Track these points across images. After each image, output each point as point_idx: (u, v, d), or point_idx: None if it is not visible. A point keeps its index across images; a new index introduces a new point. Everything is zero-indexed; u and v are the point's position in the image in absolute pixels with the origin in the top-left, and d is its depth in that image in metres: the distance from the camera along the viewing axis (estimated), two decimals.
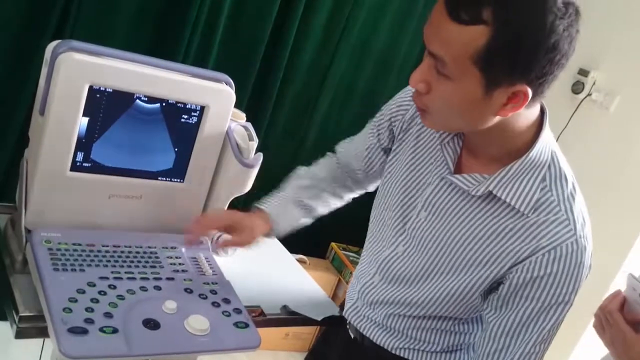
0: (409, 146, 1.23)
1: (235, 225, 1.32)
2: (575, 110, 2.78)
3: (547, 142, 1.07)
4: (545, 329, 1.07)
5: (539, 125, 1.06)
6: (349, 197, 1.49)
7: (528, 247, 1.05)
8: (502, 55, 0.91)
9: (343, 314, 1.33)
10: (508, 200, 1.06)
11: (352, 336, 1.32)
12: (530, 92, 0.94)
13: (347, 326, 1.33)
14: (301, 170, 1.46)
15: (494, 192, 1.07)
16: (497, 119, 0.99)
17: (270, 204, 1.37)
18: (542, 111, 1.07)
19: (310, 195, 1.41)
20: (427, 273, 1.16)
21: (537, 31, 0.90)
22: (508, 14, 0.89)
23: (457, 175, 1.12)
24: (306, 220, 1.43)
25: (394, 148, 1.28)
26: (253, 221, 1.33)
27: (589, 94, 2.75)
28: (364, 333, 1.28)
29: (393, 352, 1.24)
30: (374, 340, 1.26)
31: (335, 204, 1.47)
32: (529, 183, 1.05)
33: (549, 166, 1.06)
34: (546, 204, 1.05)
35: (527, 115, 1.03)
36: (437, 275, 1.15)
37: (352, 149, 1.39)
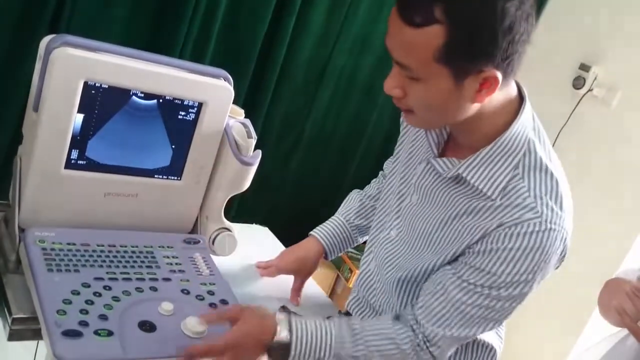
0: (410, 134, 1.27)
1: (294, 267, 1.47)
2: (576, 106, 2.74)
3: (523, 129, 1.07)
4: (489, 305, 1.06)
5: (514, 112, 1.07)
6: None
7: (491, 225, 1.05)
8: (462, 48, 0.94)
9: (345, 305, 1.33)
10: (477, 184, 1.07)
11: None
12: (499, 74, 0.97)
13: None
14: (353, 192, 1.56)
15: (463, 175, 1.08)
16: (476, 106, 1.02)
17: (321, 231, 1.49)
18: (522, 98, 1.08)
19: (360, 215, 1.50)
20: (412, 256, 1.17)
21: (490, 19, 0.92)
22: (459, 9, 0.92)
23: (437, 159, 1.14)
24: (361, 239, 1.52)
25: (399, 138, 1.31)
26: (306, 252, 1.47)
27: (590, 90, 2.72)
28: None
29: None
30: None
31: None
32: (499, 169, 1.06)
33: (525, 154, 1.07)
34: (515, 190, 1.05)
35: (501, 94, 1.03)
36: (420, 258, 1.16)
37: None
